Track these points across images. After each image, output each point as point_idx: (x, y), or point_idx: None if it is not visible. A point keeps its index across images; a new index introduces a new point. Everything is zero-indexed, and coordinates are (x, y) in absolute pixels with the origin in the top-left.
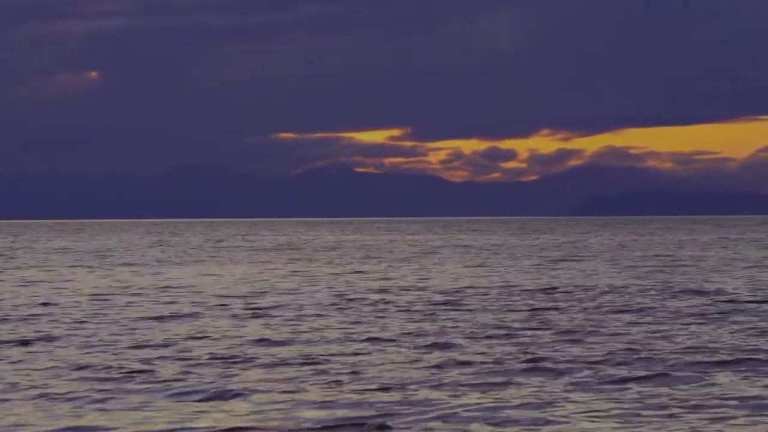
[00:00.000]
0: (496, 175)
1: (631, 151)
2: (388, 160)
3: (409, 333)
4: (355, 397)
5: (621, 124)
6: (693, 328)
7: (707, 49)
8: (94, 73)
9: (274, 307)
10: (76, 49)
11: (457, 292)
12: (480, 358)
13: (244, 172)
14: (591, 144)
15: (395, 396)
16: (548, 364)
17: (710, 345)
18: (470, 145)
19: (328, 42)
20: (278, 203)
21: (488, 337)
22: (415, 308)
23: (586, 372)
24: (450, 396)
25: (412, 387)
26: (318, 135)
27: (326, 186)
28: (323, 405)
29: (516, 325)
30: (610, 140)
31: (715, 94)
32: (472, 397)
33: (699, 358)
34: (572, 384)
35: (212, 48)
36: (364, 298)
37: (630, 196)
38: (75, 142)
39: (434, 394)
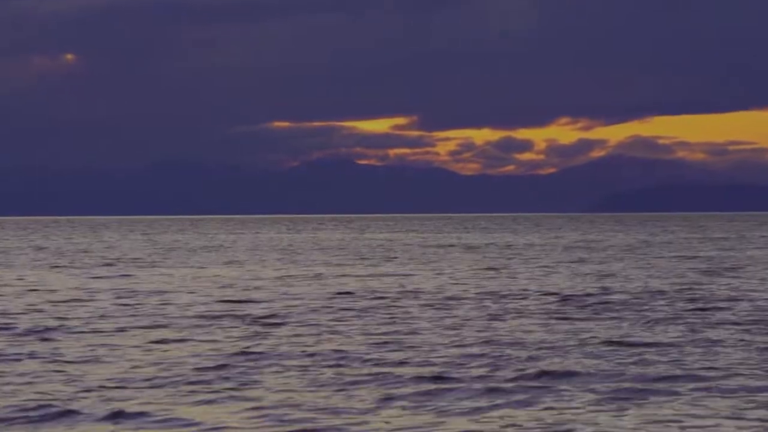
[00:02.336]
0: (510, 167)
1: (660, 141)
2: (392, 152)
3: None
4: None
5: (648, 111)
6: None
7: (742, 30)
8: (69, 56)
9: None
10: (50, 29)
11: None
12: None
13: (235, 164)
14: (615, 133)
15: None
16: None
17: None
18: (482, 135)
19: (327, 22)
20: (272, 199)
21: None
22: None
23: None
24: None
25: None
26: (316, 124)
27: (325, 180)
28: None
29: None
30: (636, 129)
31: (750, 79)
32: None
33: None
34: None
35: (200, 29)
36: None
37: (658, 190)
38: (48, 132)
39: None
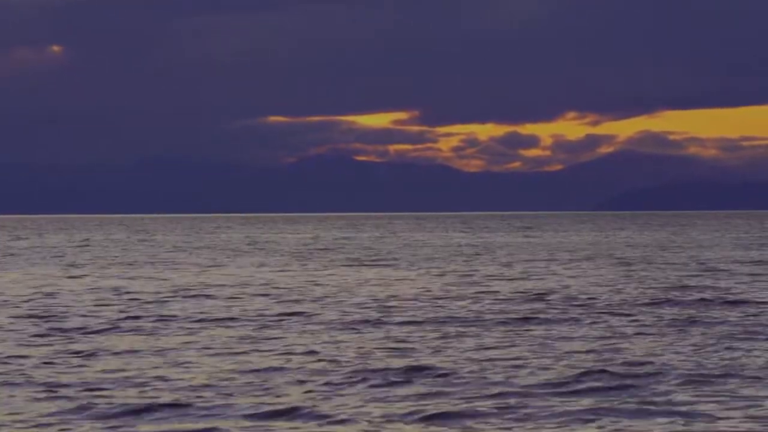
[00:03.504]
0: (515, 164)
1: (670, 137)
2: (392, 148)
3: None
4: None
5: (658, 105)
6: None
7: (755, 21)
8: (56, 48)
9: None
10: (35, 19)
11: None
12: None
13: (230, 161)
14: (624, 128)
15: None
16: None
17: None
18: (486, 131)
19: (325, 14)
20: (267, 196)
21: None
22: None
23: None
24: None
25: None
26: (313, 118)
27: (322, 176)
28: None
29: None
30: (645, 124)
31: (764, 73)
32: None
33: None
34: None
35: (193, 19)
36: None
37: (669, 187)
38: (33, 128)
39: None
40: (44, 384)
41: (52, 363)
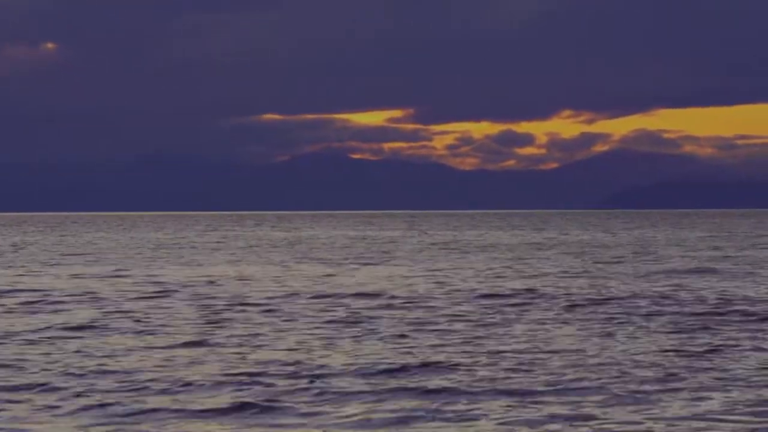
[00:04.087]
0: (510, 162)
1: (666, 135)
2: (387, 146)
3: None
4: None
5: (653, 103)
6: None
7: (750, 20)
8: (50, 45)
9: None
10: (34, 18)
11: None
12: None
13: (225, 159)
14: (619, 127)
15: None
16: None
17: None
18: (481, 129)
19: (319, 9)
20: (261, 194)
21: None
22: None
23: None
24: None
25: None
26: (308, 116)
27: (317, 175)
28: None
29: None
30: (640, 122)
31: (759, 71)
32: None
33: None
34: None
35: (186, 16)
36: None
37: (664, 186)
38: (32, 127)
39: None
40: (35, 382)
41: (42, 362)
